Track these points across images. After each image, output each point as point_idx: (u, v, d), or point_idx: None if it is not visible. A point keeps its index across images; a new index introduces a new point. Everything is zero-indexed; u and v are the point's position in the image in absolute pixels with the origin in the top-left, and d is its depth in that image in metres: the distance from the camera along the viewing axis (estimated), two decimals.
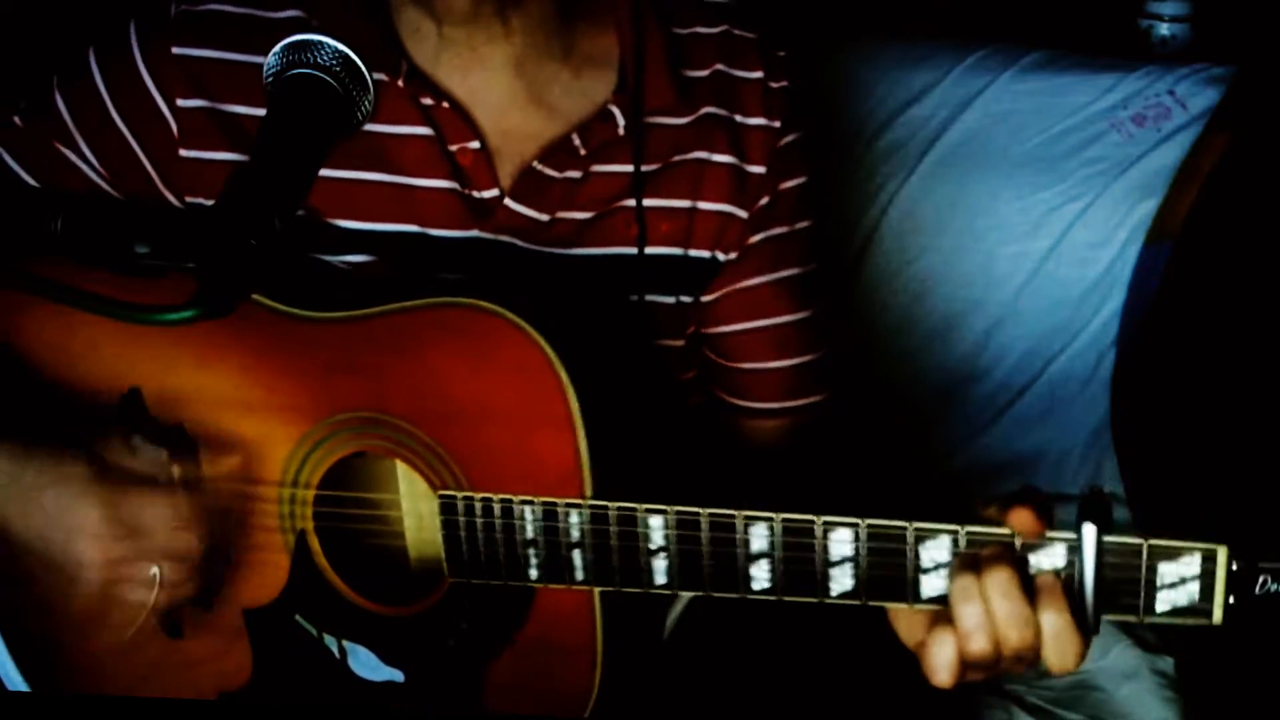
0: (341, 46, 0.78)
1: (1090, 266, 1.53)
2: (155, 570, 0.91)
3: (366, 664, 0.96)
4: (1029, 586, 0.79)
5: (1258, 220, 1.49)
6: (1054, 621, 0.77)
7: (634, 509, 0.85)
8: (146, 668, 0.99)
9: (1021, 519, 0.79)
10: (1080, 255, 1.53)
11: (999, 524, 0.80)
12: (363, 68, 0.78)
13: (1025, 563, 0.80)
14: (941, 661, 0.79)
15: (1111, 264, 1.52)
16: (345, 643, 0.96)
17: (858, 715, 1.06)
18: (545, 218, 1.00)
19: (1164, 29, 1.69)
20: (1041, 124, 1.55)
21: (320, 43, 0.78)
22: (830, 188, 1.56)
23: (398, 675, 0.96)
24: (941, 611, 0.81)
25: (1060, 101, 1.54)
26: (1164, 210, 1.50)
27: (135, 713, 0.92)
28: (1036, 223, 1.54)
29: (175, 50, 0.97)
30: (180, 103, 0.98)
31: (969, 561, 0.80)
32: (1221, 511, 0.79)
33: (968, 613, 0.78)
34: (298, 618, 0.97)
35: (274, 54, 0.79)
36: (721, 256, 1.05)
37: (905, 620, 0.85)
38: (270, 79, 0.79)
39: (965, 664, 0.79)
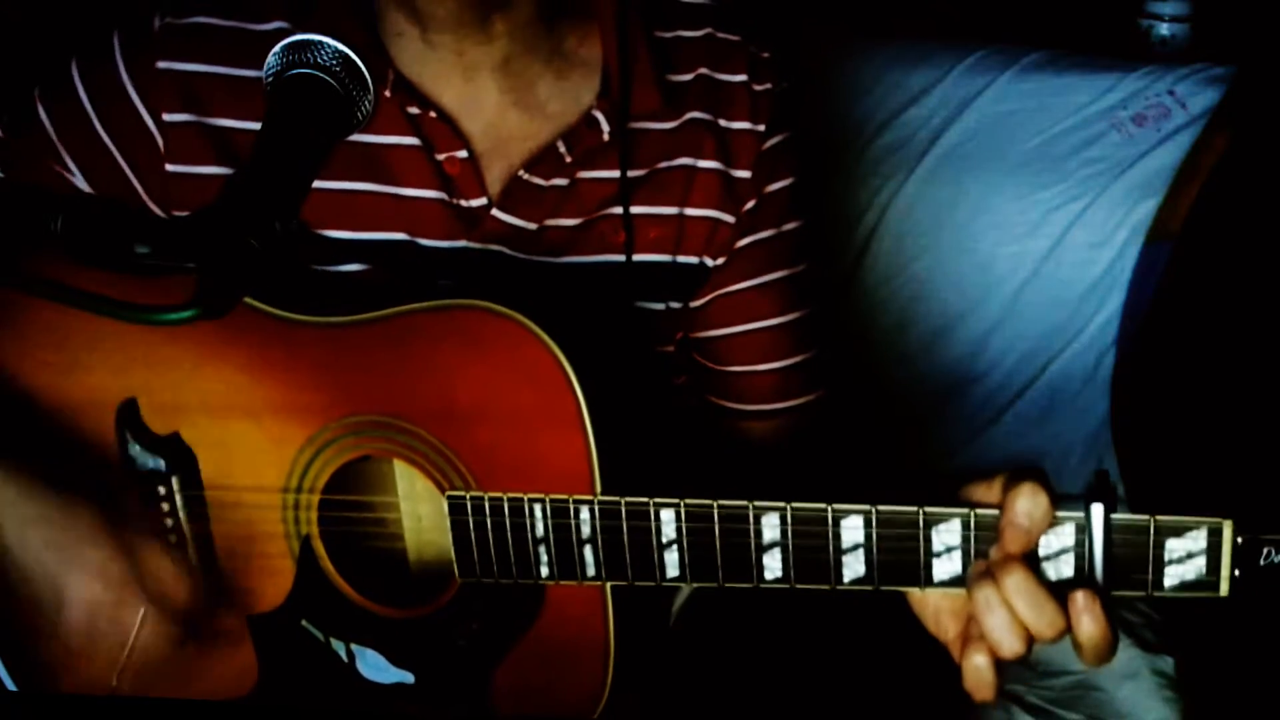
0: (341, 46, 0.78)
1: (1090, 266, 1.53)
2: (141, 612, 0.91)
3: (375, 666, 0.96)
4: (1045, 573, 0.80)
5: (1258, 220, 1.49)
6: (1090, 633, 0.78)
7: (645, 503, 0.85)
8: (147, 677, 0.99)
9: (1021, 497, 0.79)
10: (1080, 255, 1.53)
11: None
12: (362, 67, 0.78)
13: (1036, 557, 0.80)
14: (983, 683, 0.80)
15: (1111, 264, 1.52)
16: (353, 646, 0.96)
17: (858, 708, 1.06)
18: (533, 226, 1.00)
19: (1164, 29, 1.70)
20: (1041, 124, 1.55)
21: (320, 43, 0.78)
22: (830, 188, 1.57)
23: (407, 677, 0.96)
24: (969, 626, 0.82)
25: (1060, 101, 1.54)
26: (1164, 210, 1.50)
27: (135, 713, 0.92)
28: (1036, 223, 1.54)
29: (160, 65, 0.97)
30: (167, 117, 0.97)
31: (984, 571, 0.80)
32: (1222, 500, 0.80)
33: (995, 624, 0.79)
34: (304, 623, 0.97)
35: (274, 54, 0.78)
36: (710, 262, 1.05)
37: (932, 613, 0.85)
38: (270, 79, 0.79)
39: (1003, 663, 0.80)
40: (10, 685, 0.99)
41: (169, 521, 0.96)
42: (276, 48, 0.78)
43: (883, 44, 1.63)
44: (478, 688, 0.95)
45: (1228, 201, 1.49)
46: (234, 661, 0.98)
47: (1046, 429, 1.57)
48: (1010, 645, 0.78)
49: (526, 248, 1.00)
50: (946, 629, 0.84)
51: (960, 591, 0.82)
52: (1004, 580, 0.78)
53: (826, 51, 1.60)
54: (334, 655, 0.97)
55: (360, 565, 0.95)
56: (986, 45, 1.60)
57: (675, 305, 1.05)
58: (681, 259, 1.03)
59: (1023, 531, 0.78)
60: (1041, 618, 0.78)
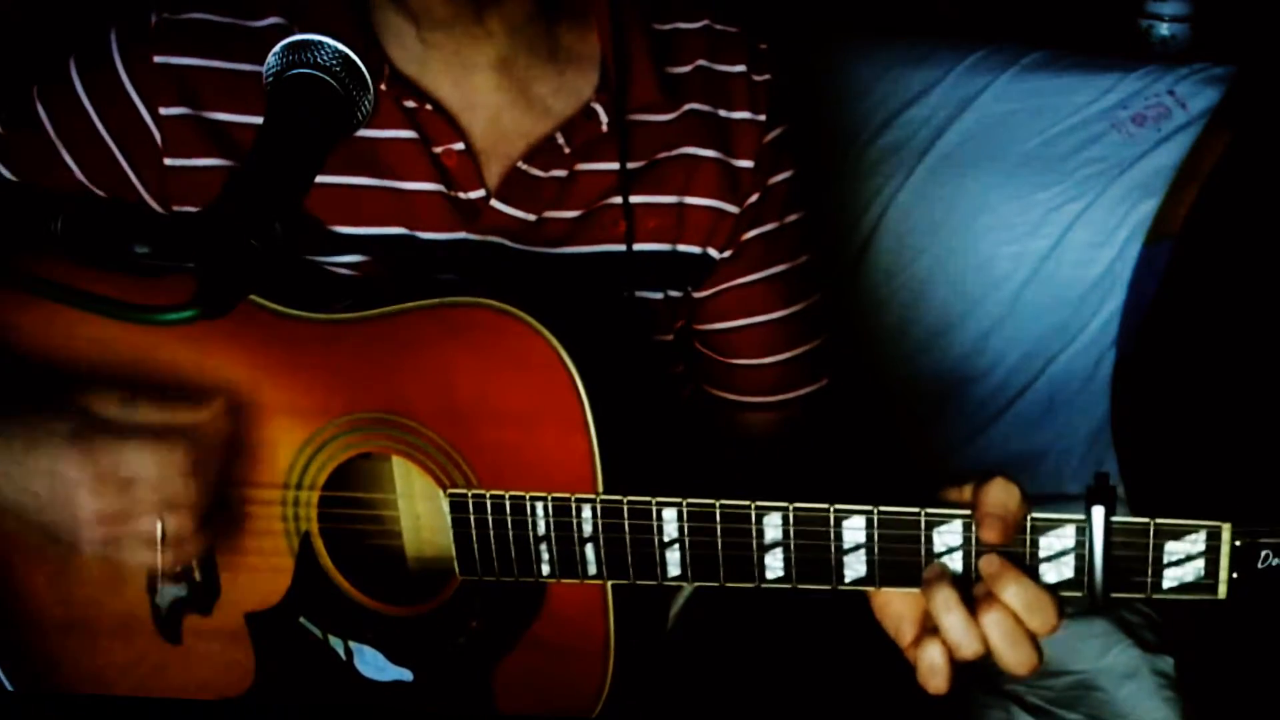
0: (341, 46, 0.78)
1: (1090, 266, 1.53)
2: (158, 525, 0.87)
3: (373, 664, 0.96)
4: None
5: (1258, 220, 1.50)
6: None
7: (647, 502, 0.85)
8: (144, 675, 0.99)
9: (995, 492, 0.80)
10: (1080, 255, 1.53)
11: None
12: (362, 67, 0.78)
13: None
14: (938, 676, 0.80)
15: (1111, 264, 1.52)
16: (351, 644, 0.96)
17: (857, 709, 1.06)
18: (533, 217, 1.00)
19: (1164, 29, 1.70)
20: (1041, 124, 1.55)
21: (320, 43, 0.78)
22: (830, 188, 1.57)
23: (406, 675, 0.96)
24: (924, 620, 0.83)
25: (1060, 101, 1.54)
26: (1164, 210, 1.50)
27: (135, 713, 0.92)
28: (1036, 222, 1.54)
29: (157, 59, 0.97)
30: (163, 111, 0.97)
31: (939, 574, 0.81)
32: (1221, 501, 0.81)
33: (952, 624, 0.79)
34: (302, 620, 0.97)
35: (274, 54, 0.78)
36: (715, 253, 1.05)
37: (892, 615, 0.85)
38: (270, 79, 0.79)
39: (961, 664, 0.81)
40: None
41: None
42: (276, 48, 0.78)
43: (883, 44, 1.63)
44: (477, 686, 0.95)
45: (1228, 201, 1.49)
46: (231, 659, 0.98)
47: (1046, 429, 1.57)
48: (970, 646, 0.79)
49: (526, 239, 1.00)
50: (905, 635, 0.84)
51: (917, 591, 0.82)
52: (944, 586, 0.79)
53: (826, 51, 1.60)
54: (332, 653, 0.97)
55: (360, 562, 0.95)
56: (986, 45, 1.60)
57: (675, 294, 1.06)
58: (682, 248, 1.04)
59: (999, 519, 0.79)
60: (961, 626, 0.79)
